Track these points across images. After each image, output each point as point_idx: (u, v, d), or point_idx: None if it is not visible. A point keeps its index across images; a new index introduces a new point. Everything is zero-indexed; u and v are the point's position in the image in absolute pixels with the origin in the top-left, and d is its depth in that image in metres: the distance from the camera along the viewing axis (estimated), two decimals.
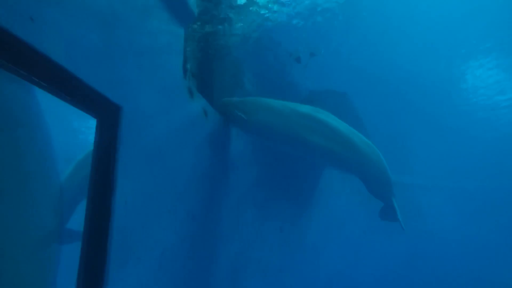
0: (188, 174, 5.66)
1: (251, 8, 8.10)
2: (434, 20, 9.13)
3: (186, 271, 5.33)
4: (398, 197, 8.59)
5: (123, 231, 3.56)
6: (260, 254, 8.56)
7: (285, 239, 9.96)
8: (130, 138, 3.79)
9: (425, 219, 16.42)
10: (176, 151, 5.13)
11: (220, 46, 8.86)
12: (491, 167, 16.94)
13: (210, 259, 6.40)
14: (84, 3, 3.25)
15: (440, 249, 17.13)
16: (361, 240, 13.76)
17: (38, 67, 2.62)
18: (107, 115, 3.47)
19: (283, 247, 9.80)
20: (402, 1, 8.54)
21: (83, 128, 16.10)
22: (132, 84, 4.03)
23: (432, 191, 16.87)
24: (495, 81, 11.67)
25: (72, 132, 15.89)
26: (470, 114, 13.41)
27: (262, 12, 8.36)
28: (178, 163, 5.20)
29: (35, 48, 2.58)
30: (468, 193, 18.21)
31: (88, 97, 3.20)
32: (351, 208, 13.07)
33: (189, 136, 5.72)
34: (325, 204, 12.04)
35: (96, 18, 3.45)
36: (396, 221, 8.43)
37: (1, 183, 3.76)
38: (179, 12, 5.24)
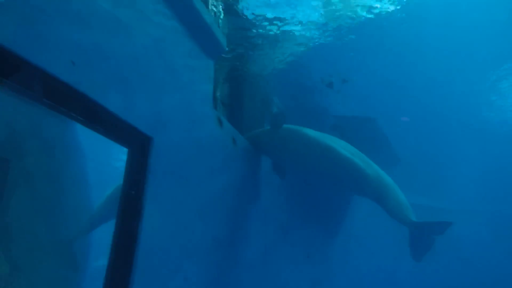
0: (216, 202, 5.83)
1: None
2: (468, 37, 8.95)
3: None
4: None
5: (148, 254, 3.75)
6: (287, 280, 8.52)
7: (312, 266, 9.86)
8: (159, 167, 4.02)
9: (460, 244, 15.68)
10: (204, 179, 5.33)
11: (249, 72, 9.16)
12: None
13: (236, 286, 6.47)
14: (118, 46, 3.56)
15: (476, 276, 16.20)
16: (391, 268, 13.34)
17: (76, 104, 2.92)
18: (138, 145, 3.73)
19: (310, 274, 9.69)
20: (435, 21, 8.46)
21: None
22: (164, 116, 4.30)
23: (467, 216, 16.15)
24: None
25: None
26: (506, 132, 12.91)
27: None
28: (206, 191, 5.39)
29: (75, 88, 2.87)
30: (506, 218, 17.34)
31: (120, 129, 3.47)
32: (380, 235, 12.75)
33: (217, 164, 5.92)
34: (354, 231, 11.84)
35: (129, 58, 3.76)
36: (431, 247, 7.96)
37: (38, 192, 4.15)
38: (209, 45, 5.54)
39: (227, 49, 5.94)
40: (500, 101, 11.28)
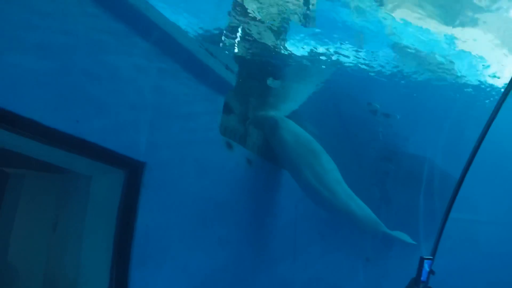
0: (223, 211, 7.03)
1: None
2: None
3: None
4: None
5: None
6: None
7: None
8: (153, 184, 5.35)
9: (482, 255, 14.00)
10: (206, 193, 6.57)
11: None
12: None
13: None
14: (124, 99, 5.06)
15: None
16: None
17: (80, 148, 4.45)
18: (133, 169, 5.17)
19: None
20: None
21: None
22: (161, 144, 5.66)
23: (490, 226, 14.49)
24: None
25: None
26: None
27: None
28: (209, 203, 6.63)
29: (80, 137, 4.37)
30: None
31: (117, 159, 4.94)
32: None
33: (226, 182, 7.14)
34: None
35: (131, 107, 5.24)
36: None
37: None
38: (217, 85, 6.82)
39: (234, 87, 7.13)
40: None
